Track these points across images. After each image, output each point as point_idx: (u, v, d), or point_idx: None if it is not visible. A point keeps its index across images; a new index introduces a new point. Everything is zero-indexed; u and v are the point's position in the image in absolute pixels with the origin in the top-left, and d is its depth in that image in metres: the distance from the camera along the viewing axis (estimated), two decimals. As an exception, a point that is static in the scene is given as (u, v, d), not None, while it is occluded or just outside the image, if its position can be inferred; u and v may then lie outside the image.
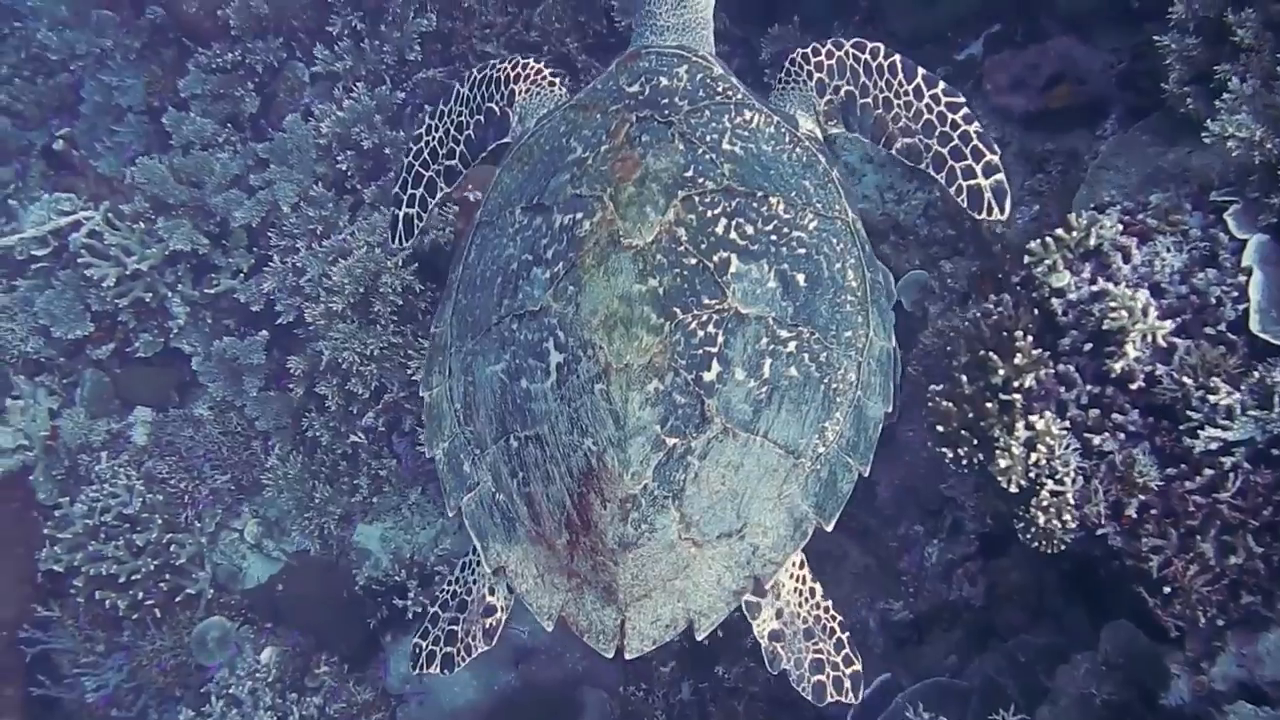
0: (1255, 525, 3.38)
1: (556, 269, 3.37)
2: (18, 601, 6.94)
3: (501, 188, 3.83)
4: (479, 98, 4.24)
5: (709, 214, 3.34)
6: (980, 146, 3.64)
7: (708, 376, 3.21)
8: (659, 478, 3.19)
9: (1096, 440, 3.60)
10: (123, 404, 7.45)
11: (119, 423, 7.39)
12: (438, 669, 3.81)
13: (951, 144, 3.66)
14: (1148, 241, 3.77)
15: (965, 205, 3.67)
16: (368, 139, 6.94)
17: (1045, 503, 3.59)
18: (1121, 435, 3.60)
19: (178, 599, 6.77)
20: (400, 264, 6.38)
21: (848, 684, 3.61)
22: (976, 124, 3.67)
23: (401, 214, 4.44)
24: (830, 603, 3.68)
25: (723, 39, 6.77)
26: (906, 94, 3.72)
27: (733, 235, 3.34)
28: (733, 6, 6.78)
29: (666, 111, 3.55)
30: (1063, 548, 3.68)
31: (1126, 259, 3.74)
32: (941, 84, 3.71)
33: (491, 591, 3.73)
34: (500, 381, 3.45)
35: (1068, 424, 3.67)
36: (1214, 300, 3.58)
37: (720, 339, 3.23)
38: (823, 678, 3.59)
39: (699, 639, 3.39)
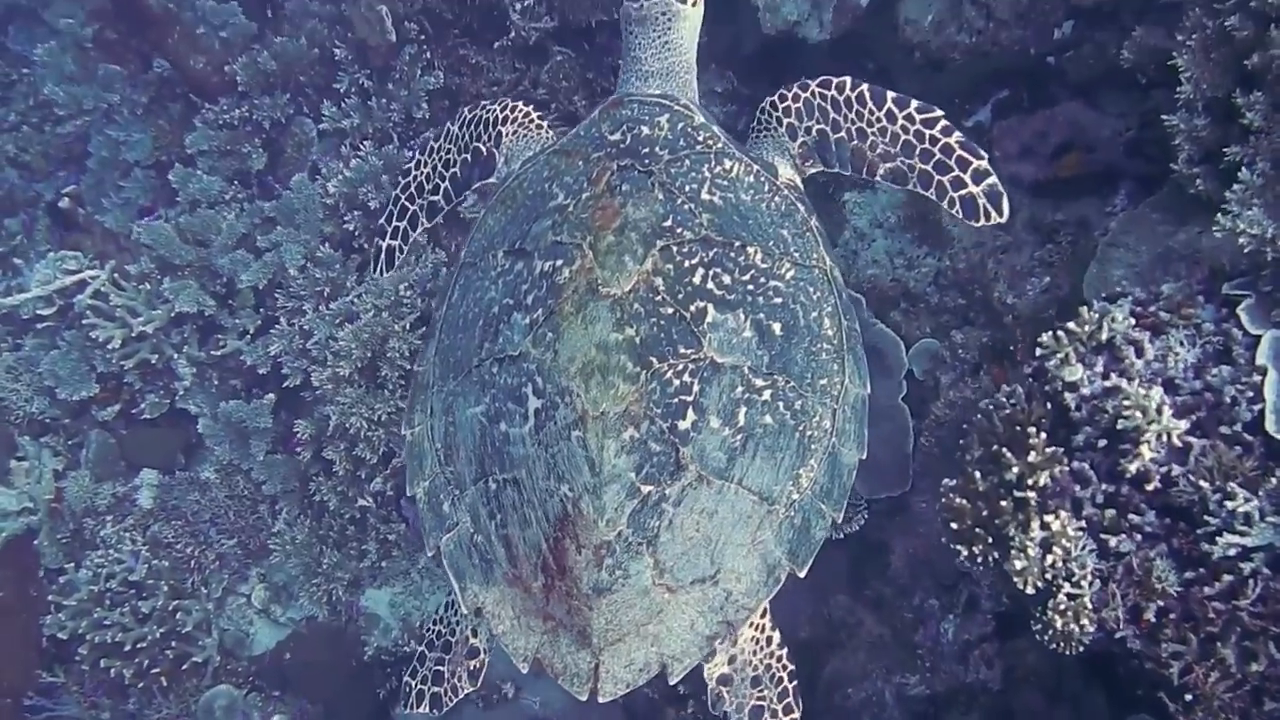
0: (1276, 632, 3.33)
1: (536, 315, 3.42)
2: (22, 668, 6.89)
3: (485, 229, 3.88)
4: (467, 136, 4.30)
5: (686, 264, 3.39)
6: (964, 155, 3.66)
7: (683, 425, 3.26)
8: (633, 524, 3.23)
9: (1113, 541, 3.56)
10: (128, 466, 7.40)
11: (124, 485, 7.34)
12: (427, 708, 3.87)
13: (934, 159, 3.68)
14: (1160, 335, 3.73)
15: (962, 216, 3.67)
16: (374, 199, 6.92)
17: (1063, 606, 3.54)
18: (1138, 536, 3.56)
19: (184, 666, 6.70)
20: (408, 328, 6.37)
21: None
22: (957, 133, 3.69)
23: (385, 245, 4.51)
24: (785, 651, 3.72)
25: (730, 99, 6.80)
26: (879, 120, 3.75)
27: (710, 285, 3.38)
28: (740, 66, 6.79)
29: (647, 161, 3.60)
30: (1081, 649, 3.63)
31: (1139, 353, 3.70)
32: (914, 103, 3.74)
33: (474, 633, 3.81)
34: (480, 424, 3.50)
35: (1083, 524, 3.63)
36: (1229, 399, 3.53)
37: (696, 388, 3.28)
38: None
39: (672, 683, 3.43)
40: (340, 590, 6.78)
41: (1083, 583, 3.55)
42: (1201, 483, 3.42)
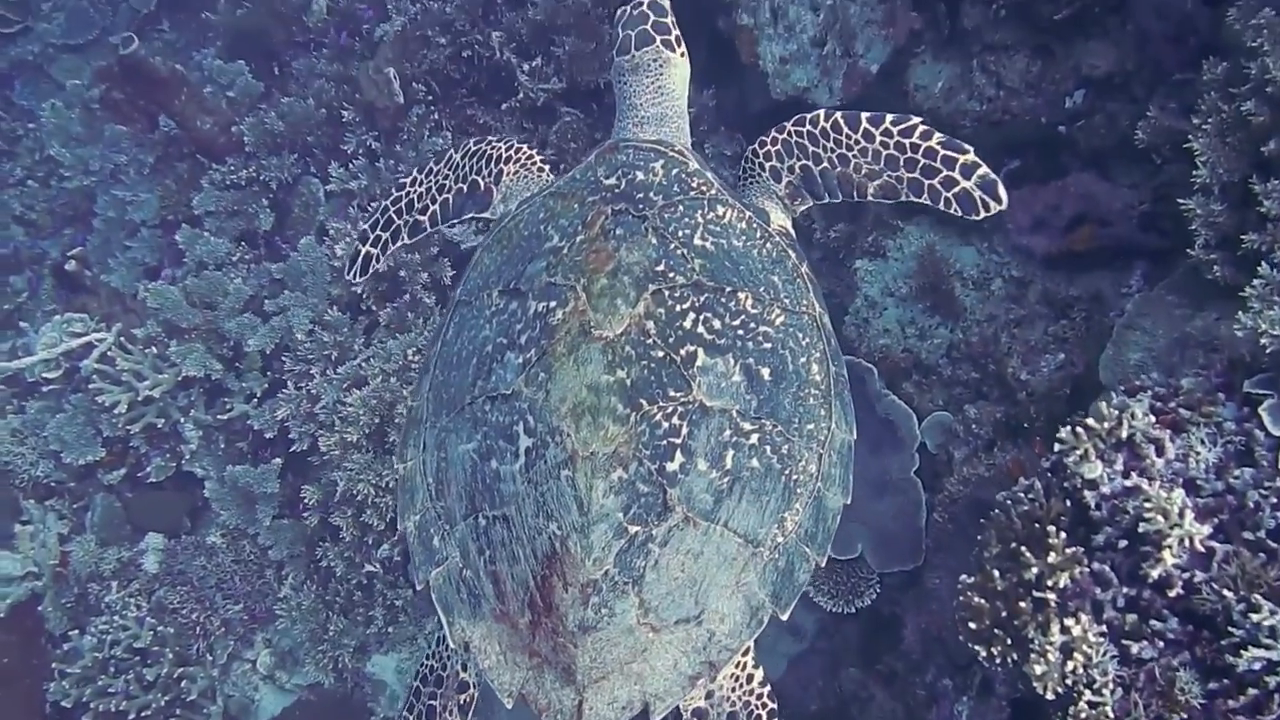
0: (1302, 747, 3.27)
1: (529, 355, 3.45)
2: (26, 735, 6.85)
3: (481, 268, 3.91)
4: (468, 168, 4.34)
5: (678, 308, 3.42)
6: (949, 154, 3.62)
7: (671, 466, 3.27)
8: (620, 564, 3.25)
9: (1135, 648, 3.50)
10: (134, 530, 7.37)
11: (130, 550, 7.31)
12: None
13: (920, 165, 3.65)
14: (1181, 433, 3.68)
15: (960, 213, 3.63)
16: (383, 262, 6.88)
17: (1083, 714, 3.48)
18: (1161, 643, 3.50)
19: (189, 734, 6.66)
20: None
21: None
22: (938, 135, 3.65)
23: (363, 251, 4.50)
24: (768, 689, 3.70)
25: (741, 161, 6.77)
26: (858, 142, 3.75)
27: (700, 330, 3.41)
28: (750, 128, 6.78)
29: (641, 206, 3.63)
30: (1102, 756, 3.57)
31: (1160, 452, 3.66)
32: (889, 117, 3.71)
33: (464, 668, 3.83)
34: (472, 460, 3.52)
35: (1104, 628, 3.57)
36: (1252, 503, 3.48)
37: (684, 430, 3.30)
38: None
39: None
40: (346, 657, 6.74)
41: (1104, 690, 3.49)
42: (1225, 592, 3.37)
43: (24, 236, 8.74)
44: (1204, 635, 3.47)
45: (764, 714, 3.67)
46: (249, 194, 7.66)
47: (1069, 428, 3.77)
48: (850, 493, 3.63)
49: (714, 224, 3.63)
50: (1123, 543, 3.61)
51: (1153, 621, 3.51)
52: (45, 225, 8.73)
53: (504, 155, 4.29)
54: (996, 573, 3.77)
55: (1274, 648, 3.26)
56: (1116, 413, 3.72)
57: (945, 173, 3.63)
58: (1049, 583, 3.61)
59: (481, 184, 4.30)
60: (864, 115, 3.75)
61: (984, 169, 3.59)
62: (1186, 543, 3.46)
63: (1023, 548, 3.69)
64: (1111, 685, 3.50)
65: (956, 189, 3.62)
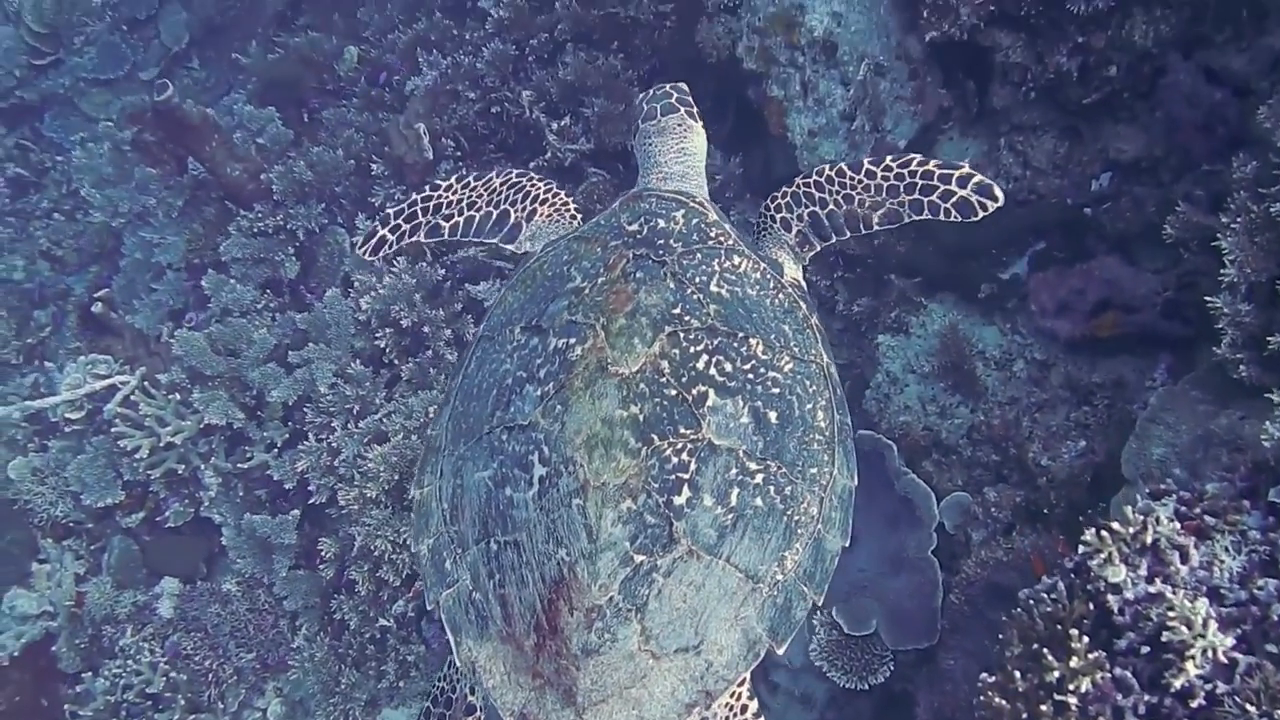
0: None
1: (547, 388, 3.55)
2: (37, 777, 6.87)
3: (505, 306, 4.02)
4: (503, 196, 4.47)
5: (692, 350, 3.54)
6: (946, 171, 3.78)
7: (678, 500, 3.37)
8: (624, 591, 3.33)
9: (1156, 758, 3.51)
10: (150, 574, 7.40)
11: (145, 594, 7.34)
12: None
13: (919, 186, 3.82)
14: (1206, 540, 3.70)
15: (960, 218, 3.78)
16: (407, 317, 6.94)
17: (1103, 823, 3.49)
18: (1182, 754, 3.51)
19: (199, 782, 6.68)
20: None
21: None
22: (933, 160, 3.82)
23: (380, 232, 4.52)
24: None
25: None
26: (860, 181, 3.94)
27: (712, 371, 3.52)
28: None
29: (661, 251, 3.77)
30: None
31: (1184, 559, 3.67)
32: (888, 157, 3.91)
33: (472, 691, 3.91)
34: (487, 487, 3.61)
35: (1125, 735, 3.58)
36: (1276, 616, 3.49)
37: (693, 466, 3.40)
38: None
39: None
40: (357, 710, 6.74)
41: (1125, 800, 3.50)
42: (1248, 706, 3.38)
43: (50, 272, 8.80)
44: (1226, 748, 3.47)
45: None
46: (275, 242, 7.72)
47: (1093, 530, 3.79)
48: (850, 536, 3.73)
49: (730, 272, 3.77)
50: (1145, 649, 3.62)
51: (1174, 731, 3.52)
52: (71, 261, 8.79)
53: (541, 195, 4.46)
54: (1018, 673, 3.78)
55: (1296, 765, 3.27)
56: (1141, 517, 3.73)
57: (942, 187, 3.78)
58: (1071, 686, 3.62)
59: (513, 216, 4.46)
60: (866, 160, 3.95)
61: (979, 177, 3.75)
62: (1210, 653, 3.47)
63: (1045, 650, 3.70)
64: (1132, 795, 3.51)
65: (954, 198, 3.77)
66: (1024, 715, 3.71)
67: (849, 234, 4.01)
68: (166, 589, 7.33)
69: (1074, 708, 3.60)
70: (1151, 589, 3.65)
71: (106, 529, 7.49)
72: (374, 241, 4.52)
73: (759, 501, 3.48)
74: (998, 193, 3.71)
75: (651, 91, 4.57)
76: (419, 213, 4.51)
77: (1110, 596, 3.71)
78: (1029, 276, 5.71)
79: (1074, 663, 3.62)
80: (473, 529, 3.66)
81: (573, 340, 3.60)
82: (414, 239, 4.53)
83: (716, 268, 3.76)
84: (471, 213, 4.49)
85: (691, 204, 4.02)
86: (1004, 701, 3.76)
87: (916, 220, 3.87)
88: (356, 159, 7.69)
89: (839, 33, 6.00)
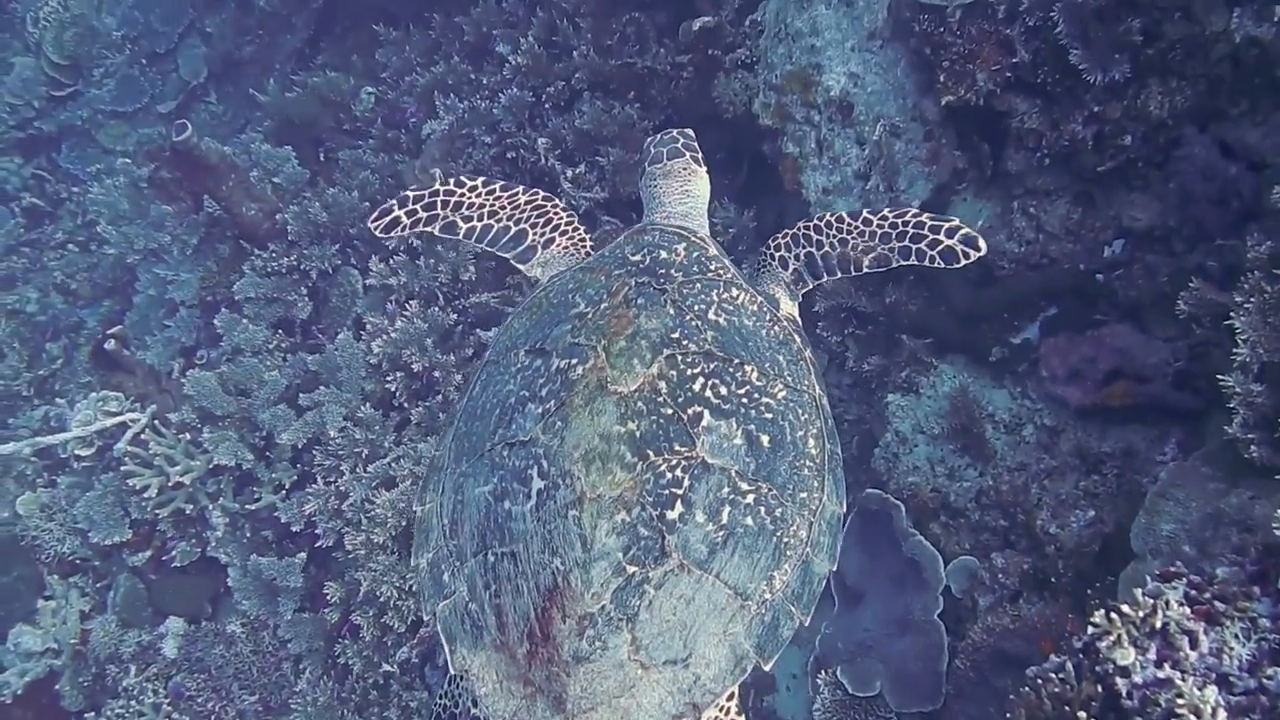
0: None
1: (548, 405, 3.67)
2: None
3: (510, 332, 4.16)
4: (524, 215, 4.60)
5: (689, 372, 3.67)
6: (936, 223, 4.05)
7: (671, 515, 3.46)
8: (616, 600, 3.41)
9: (1162, 845, 3.50)
10: (155, 612, 7.41)
11: (150, 633, 7.33)
12: None
13: (909, 234, 4.09)
14: (1215, 626, 3.69)
15: (944, 265, 4.02)
16: (418, 362, 6.96)
17: None
18: (1188, 843, 3.50)
19: (199, 826, 6.66)
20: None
21: None
22: (927, 213, 4.07)
23: (396, 212, 4.58)
24: None
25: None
26: (855, 227, 4.20)
27: (708, 393, 3.65)
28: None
29: (662, 280, 3.93)
30: None
31: (1194, 645, 3.66)
32: (885, 208, 4.14)
33: (474, 704, 3.91)
34: (486, 501, 3.71)
35: (1131, 821, 3.57)
36: (1286, 706, 3.49)
37: (686, 483, 3.51)
38: None
39: None
40: (359, 755, 6.73)
41: None
42: (1255, 798, 3.38)
43: (63, 304, 8.83)
44: (1232, 840, 3.47)
45: None
46: (288, 282, 7.74)
47: (1103, 611, 3.79)
48: (836, 561, 3.81)
49: (728, 303, 3.92)
50: (1152, 734, 3.62)
51: (1181, 820, 3.51)
52: (84, 294, 8.83)
53: (562, 226, 4.61)
54: (1025, 755, 3.78)
55: None
56: (1151, 600, 3.74)
57: (931, 236, 4.04)
58: (1077, 771, 3.62)
59: (530, 238, 4.60)
60: (863, 209, 4.18)
61: (966, 229, 3.99)
62: (1218, 743, 3.47)
63: (1052, 732, 3.70)
64: None
65: (940, 247, 4.03)
66: (1030, 798, 3.70)
67: (840, 274, 4.25)
68: (171, 629, 7.33)
69: (1080, 793, 3.59)
70: (1160, 674, 3.64)
71: (113, 567, 7.50)
72: (387, 219, 4.57)
73: (750, 521, 3.57)
74: (982, 244, 3.95)
75: (659, 136, 4.76)
76: (438, 204, 4.59)
77: (1119, 679, 3.71)
78: (1040, 341, 5.71)
79: (1081, 747, 3.61)
80: (471, 542, 3.75)
81: (574, 361, 3.73)
82: (428, 229, 4.61)
83: (715, 298, 3.91)
84: (490, 221, 4.59)
85: (693, 239, 4.19)
86: (1011, 784, 3.75)
87: (904, 265, 4.10)
88: (371, 200, 7.72)
89: (855, 93, 6.04)
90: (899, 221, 4.13)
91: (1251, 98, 5.00)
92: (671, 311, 3.81)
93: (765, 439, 3.69)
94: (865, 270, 4.18)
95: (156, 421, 7.32)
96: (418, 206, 4.61)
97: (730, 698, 3.75)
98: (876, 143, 6.03)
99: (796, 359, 3.96)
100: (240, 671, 7.06)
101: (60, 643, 7.20)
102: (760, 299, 4.04)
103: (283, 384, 7.27)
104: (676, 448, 3.54)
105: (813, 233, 4.29)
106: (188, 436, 7.19)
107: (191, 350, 8.11)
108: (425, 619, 3.94)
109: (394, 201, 4.61)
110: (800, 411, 3.84)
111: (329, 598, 6.70)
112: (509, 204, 4.59)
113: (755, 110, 6.46)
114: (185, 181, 8.07)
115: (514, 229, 4.58)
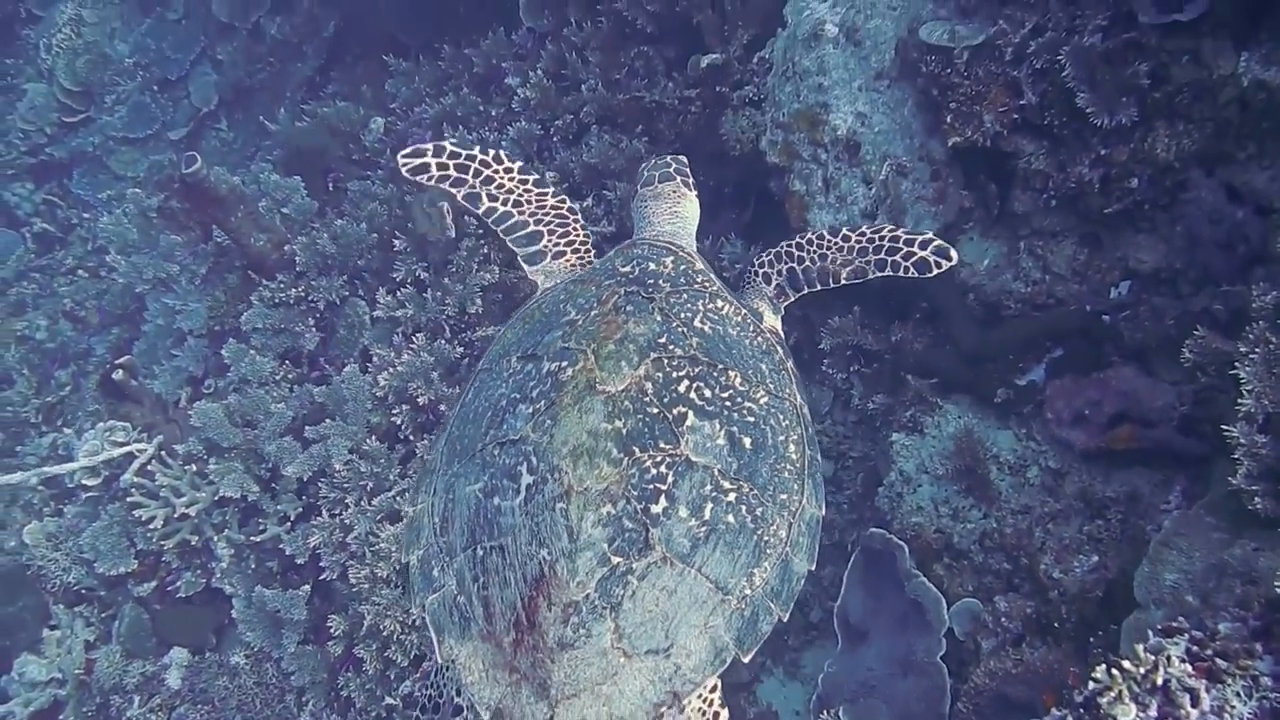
0: None
1: (539, 405, 3.84)
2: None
3: (504, 341, 4.36)
4: (547, 221, 4.87)
5: (674, 375, 3.87)
6: (910, 236, 4.46)
7: (655, 509, 3.62)
8: (600, 589, 3.55)
9: None
10: (159, 643, 7.40)
11: (154, 664, 7.33)
12: None
13: (885, 248, 4.48)
14: (1217, 684, 3.67)
15: (918, 275, 4.41)
16: (424, 394, 6.96)
17: None
18: None
19: None
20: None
21: None
22: (902, 229, 4.45)
23: (428, 159, 4.81)
24: None
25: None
26: (835, 244, 4.59)
27: (692, 395, 3.84)
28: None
29: (650, 289, 4.15)
30: None
31: (1195, 702, 3.64)
32: (862, 225, 4.51)
33: (458, 693, 4.14)
34: (476, 498, 3.84)
35: None
36: (1287, 767, 3.47)
37: (670, 479, 3.67)
38: None
39: None
40: (361, 789, 6.72)
41: None
42: None
43: (72, 331, 8.87)
44: None
45: None
46: (296, 313, 7.76)
47: (1104, 667, 3.78)
48: (815, 561, 3.96)
49: (713, 313, 4.14)
50: (1153, 791, 3.60)
51: None
52: (93, 322, 8.87)
53: (575, 244, 4.90)
54: (1024, 810, 3.77)
55: None
56: (1152, 656, 3.72)
57: (904, 248, 4.42)
58: (1077, 829, 3.60)
59: (543, 242, 4.86)
60: (844, 227, 4.56)
61: (939, 241, 4.40)
62: (1218, 804, 3.45)
63: (1052, 789, 3.69)
64: None
65: (914, 259, 4.41)
66: None
67: (820, 286, 4.57)
68: (175, 660, 7.32)
69: None
70: (1161, 732, 3.63)
71: (118, 597, 7.50)
72: (417, 162, 4.78)
73: (731, 518, 3.72)
74: (953, 254, 4.37)
75: (653, 160, 5.04)
76: (470, 171, 4.79)
77: (1119, 736, 3.69)
78: (1046, 383, 5.68)
79: (1081, 804, 3.59)
80: (461, 538, 3.87)
81: (565, 363, 3.91)
82: (453, 190, 4.82)
83: (701, 307, 4.13)
84: (512, 210, 4.82)
85: (681, 253, 4.44)
86: (1010, 839, 3.73)
87: (880, 276, 4.45)
88: (379, 232, 7.73)
89: (863, 132, 6.03)
90: (875, 236, 4.46)
91: (1259, 141, 4.99)
92: (659, 318, 4.00)
93: (747, 441, 3.85)
94: (843, 282, 4.49)
95: (163, 452, 7.33)
96: (450, 162, 4.72)
97: (714, 689, 3.90)
98: (883, 182, 6.02)
99: (779, 368, 4.16)
100: (244, 703, 7.05)
101: (65, 673, 7.21)
102: (744, 311, 4.27)
103: (289, 416, 7.28)
104: (661, 445, 3.70)
105: (795, 249, 4.59)
106: (194, 468, 7.19)
107: (199, 380, 8.13)
108: (413, 612, 4.02)
109: (430, 146, 4.69)
110: (782, 417, 4.01)
111: (333, 630, 6.69)
112: (536, 201, 4.81)
113: (762, 147, 6.46)
114: (194, 212, 8.10)
115: (532, 227, 4.79)
